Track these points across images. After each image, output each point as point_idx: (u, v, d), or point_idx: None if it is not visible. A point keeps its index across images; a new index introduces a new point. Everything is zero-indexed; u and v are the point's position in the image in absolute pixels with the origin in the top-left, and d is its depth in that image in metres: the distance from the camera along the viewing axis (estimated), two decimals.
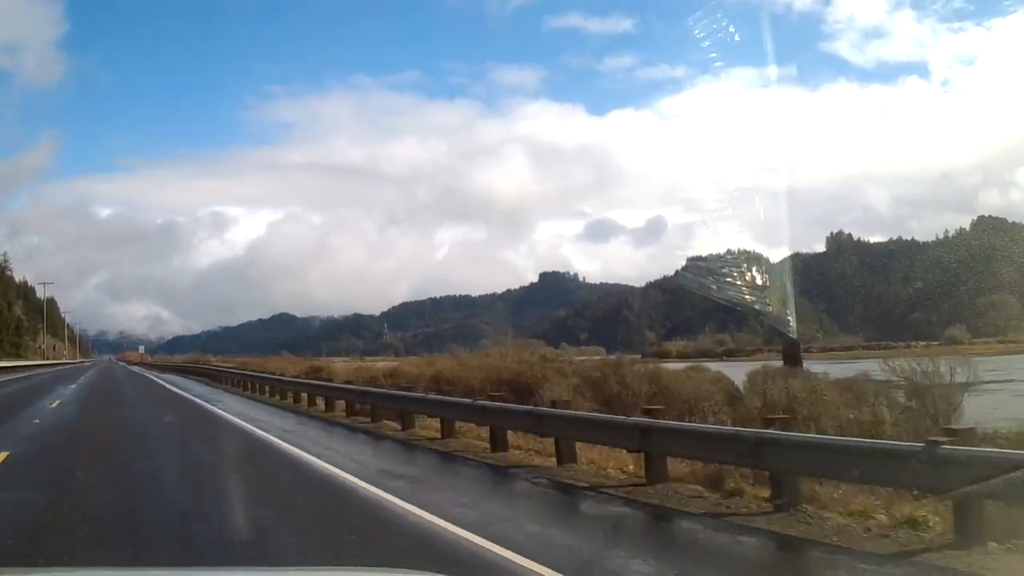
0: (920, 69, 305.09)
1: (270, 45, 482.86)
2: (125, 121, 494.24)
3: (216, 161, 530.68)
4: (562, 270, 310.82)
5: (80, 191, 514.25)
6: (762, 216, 16.02)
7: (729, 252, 15.73)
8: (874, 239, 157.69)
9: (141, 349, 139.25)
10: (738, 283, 14.20)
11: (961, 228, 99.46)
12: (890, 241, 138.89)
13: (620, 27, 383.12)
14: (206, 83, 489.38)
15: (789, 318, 14.87)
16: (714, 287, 14.76)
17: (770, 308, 14.56)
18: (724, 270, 14.70)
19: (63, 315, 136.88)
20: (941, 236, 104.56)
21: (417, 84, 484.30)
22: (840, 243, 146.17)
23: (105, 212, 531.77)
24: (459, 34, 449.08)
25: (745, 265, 14.44)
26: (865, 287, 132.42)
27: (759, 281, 14.20)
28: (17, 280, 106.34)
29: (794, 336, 15.86)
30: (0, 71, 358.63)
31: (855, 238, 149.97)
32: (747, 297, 14.30)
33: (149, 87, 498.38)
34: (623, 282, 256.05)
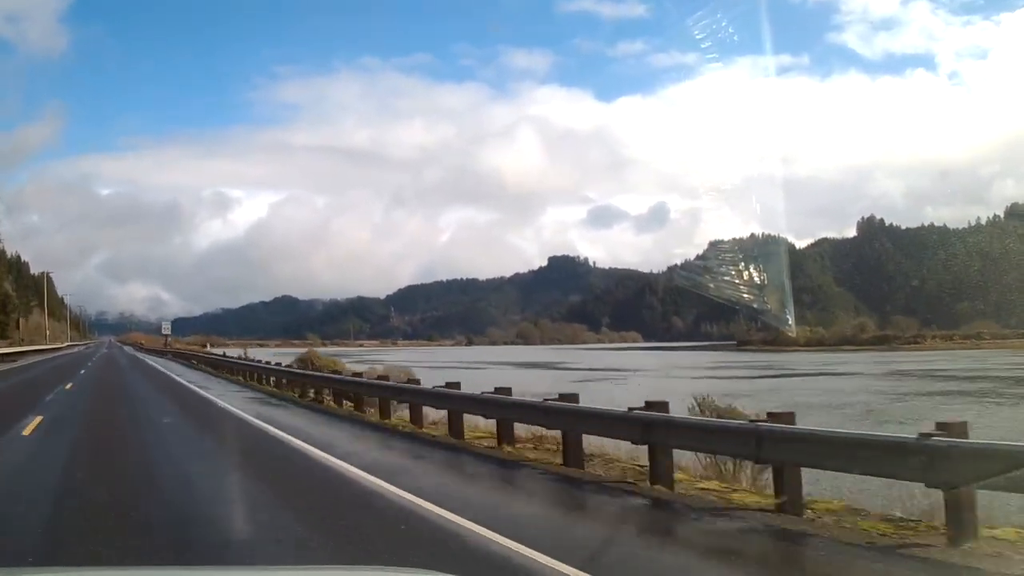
0: (927, 62, 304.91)
1: (279, 25, 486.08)
2: (129, 99, 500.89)
3: (221, 141, 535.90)
4: (570, 255, 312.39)
5: (82, 169, 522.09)
6: (767, 205, 16.35)
7: (726, 244, 16.02)
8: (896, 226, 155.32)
9: (166, 328, 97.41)
10: (735, 281, 14.54)
11: (995, 216, 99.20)
12: (921, 228, 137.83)
13: (634, 12, 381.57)
14: (212, 62, 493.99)
15: (788, 316, 15.24)
16: (711, 285, 15.13)
17: (768, 306, 14.92)
18: (721, 268, 15.02)
19: (47, 275, 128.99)
20: (965, 225, 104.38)
21: (426, 66, 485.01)
22: (872, 228, 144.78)
23: (106, 191, 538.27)
24: (470, 16, 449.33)
25: (743, 263, 14.73)
26: (902, 274, 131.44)
27: (756, 279, 14.53)
28: (9, 255, 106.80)
29: (793, 333, 16.22)
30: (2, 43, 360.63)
31: (887, 223, 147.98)
32: (744, 295, 14.64)
33: (154, 64, 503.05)
34: (629, 267, 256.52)
